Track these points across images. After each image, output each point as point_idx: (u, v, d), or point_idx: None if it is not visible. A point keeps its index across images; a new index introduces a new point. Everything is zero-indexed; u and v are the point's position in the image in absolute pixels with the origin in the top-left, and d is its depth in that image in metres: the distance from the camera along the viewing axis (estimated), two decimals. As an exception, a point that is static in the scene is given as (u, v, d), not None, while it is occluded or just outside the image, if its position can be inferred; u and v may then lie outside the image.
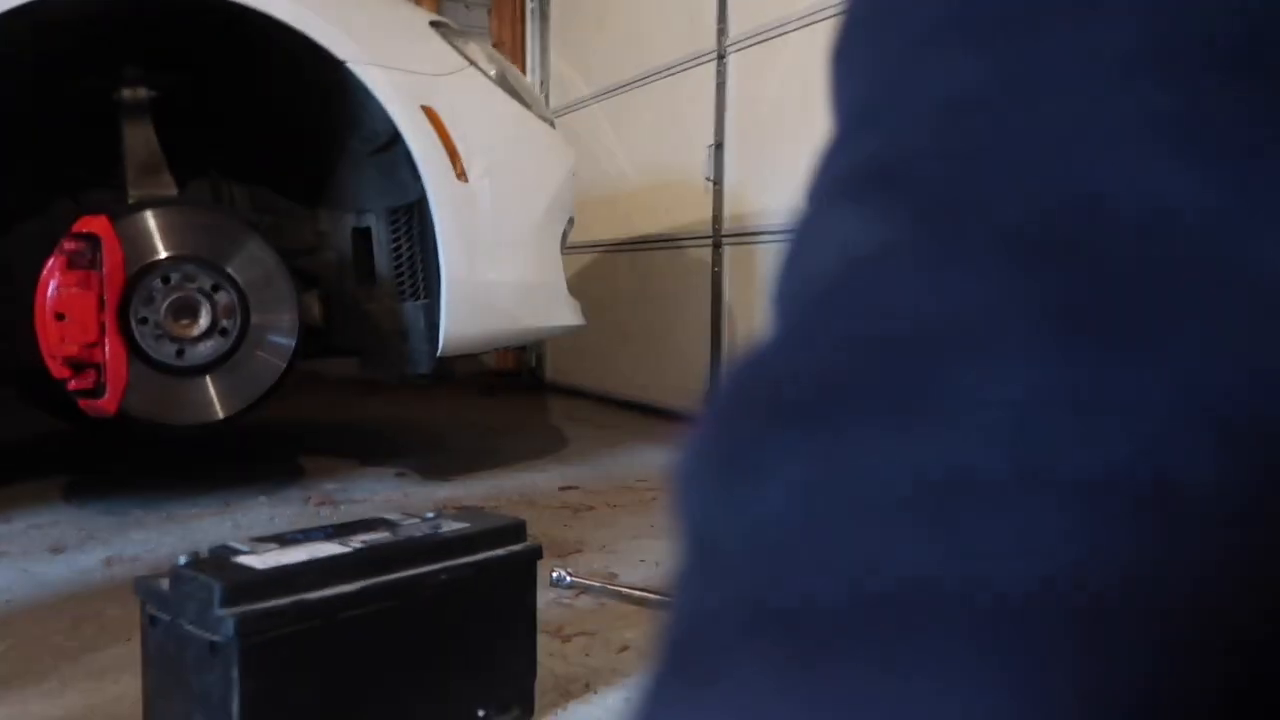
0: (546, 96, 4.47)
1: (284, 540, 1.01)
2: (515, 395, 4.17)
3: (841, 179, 0.22)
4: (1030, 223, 0.18)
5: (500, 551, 1.08)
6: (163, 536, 1.84)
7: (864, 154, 0.22)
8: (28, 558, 1.70)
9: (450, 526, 1.08)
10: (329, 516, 2.03)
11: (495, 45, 4.58)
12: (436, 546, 1.03)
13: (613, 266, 3.86)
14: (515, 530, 1.11)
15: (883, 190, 0.21)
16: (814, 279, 0.21)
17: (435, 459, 2.71)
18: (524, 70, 4.55)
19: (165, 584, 0.94)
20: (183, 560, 0.94)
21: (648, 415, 3.58)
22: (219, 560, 0.95)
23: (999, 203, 0.19)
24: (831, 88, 0.25)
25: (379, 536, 1.03)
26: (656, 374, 3.58)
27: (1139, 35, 0.19)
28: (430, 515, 1.14)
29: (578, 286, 2.42)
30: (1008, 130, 0.19)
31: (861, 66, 0.24)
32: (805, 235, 0.23)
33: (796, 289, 0.22)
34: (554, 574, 1.55)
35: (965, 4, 0.21)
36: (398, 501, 2.17)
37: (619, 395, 3.82)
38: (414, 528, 1.08)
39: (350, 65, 1.84)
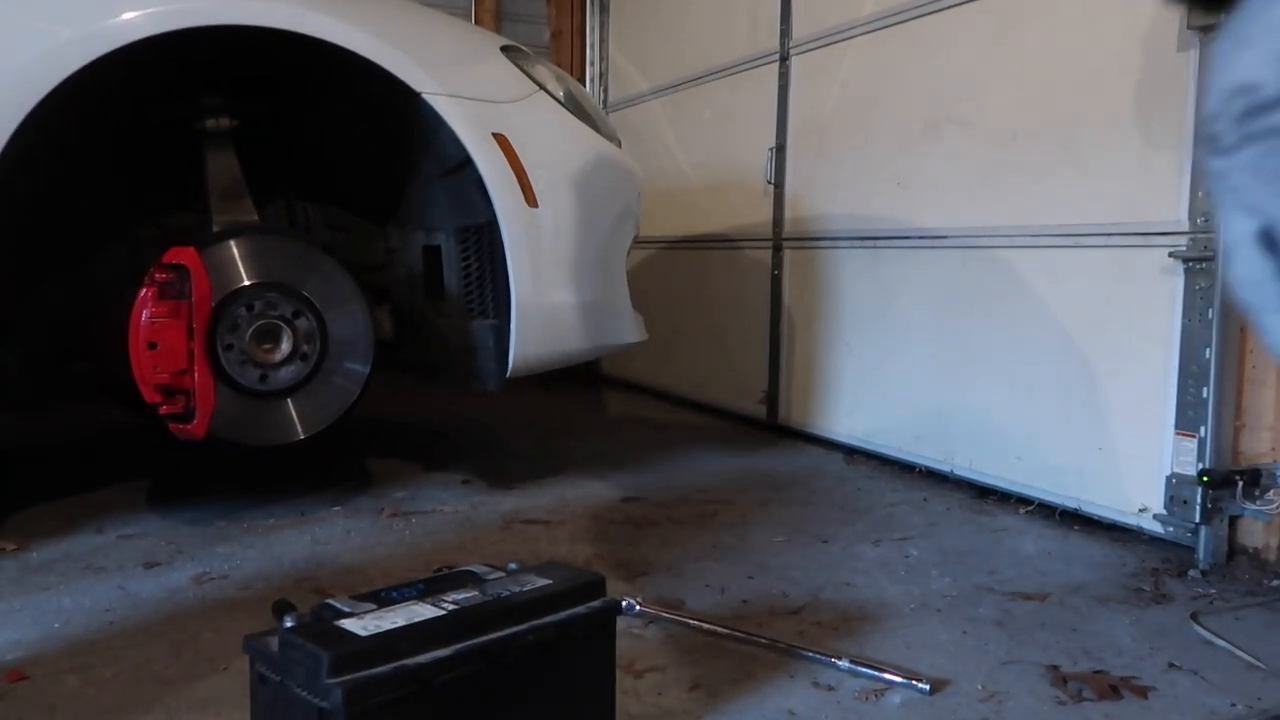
0: (605, 89, 4.48)
1: (380, 600, 1.07)
2: (571, 389, 4.23)
3: None
4: None
5: (581, 609, 1.12)
6: (246, 551, 1.92)
7: None
8: (123, 573, 1.79)
9: (533, 583, 1.13)
10: (401, 529, 2.10)
11: (554, 35, 4.60)
12: (522, 606, 1.08)
13: (670, 263, 3.88)
14: (594, 586, 1.16)
15: None
16: None
17: (498, 464, 2.77)
18: (583, 61, 4.56)
19: (273, 644, 1.00)
20: (289, 623, 1.00)
21: (703, 413, 3.61)
22: (322, 623, 1.00)
23: None
24: None
25: (468, 595, 1.08)
26: (712, 373, 3.60)
27: None
28: (513, 567, 1.20)
29: (633, 280, 2.45)
30: None
31: None
32: None
33: None
34: (624, 601, 1.60)
35: None
36: (465, 513, 2.23)
37: (674, 392, 3.86)
38: (499, 584, 1.13)
39: (425, 96, 1.88)
